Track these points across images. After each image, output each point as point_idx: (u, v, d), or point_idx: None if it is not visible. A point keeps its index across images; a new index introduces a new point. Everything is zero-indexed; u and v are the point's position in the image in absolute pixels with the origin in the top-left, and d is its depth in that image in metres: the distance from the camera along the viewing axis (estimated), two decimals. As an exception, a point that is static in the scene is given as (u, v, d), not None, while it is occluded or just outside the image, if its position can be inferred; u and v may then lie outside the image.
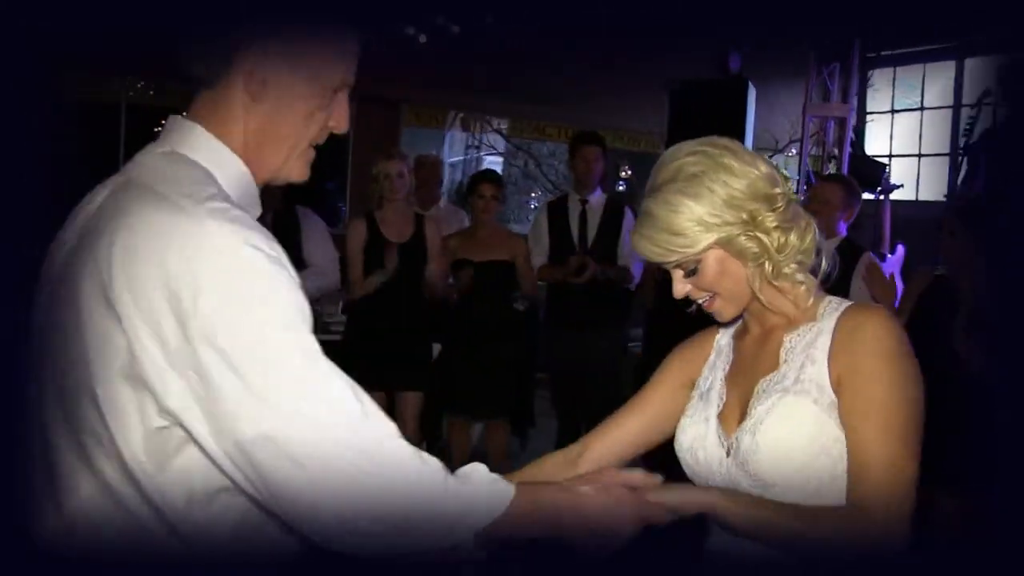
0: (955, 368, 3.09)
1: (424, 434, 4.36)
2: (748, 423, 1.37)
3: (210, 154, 1.17)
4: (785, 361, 1.38)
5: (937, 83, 8.42)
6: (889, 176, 6.45)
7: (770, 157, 6.07)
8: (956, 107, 8.27)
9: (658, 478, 1.29)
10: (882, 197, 6.23)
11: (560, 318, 4.52)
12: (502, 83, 7.29)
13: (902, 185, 6.80)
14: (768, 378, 1.39)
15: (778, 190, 1.36)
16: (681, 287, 1.40)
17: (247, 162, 1.20)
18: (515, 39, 6.65)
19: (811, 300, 1.40)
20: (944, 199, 7.76)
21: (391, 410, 4.09)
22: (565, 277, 4.33)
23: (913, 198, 8.19)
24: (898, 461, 1.26)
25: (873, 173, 6.18)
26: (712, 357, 1.54)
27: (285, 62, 1.17)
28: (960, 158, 5.68)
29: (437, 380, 4.14)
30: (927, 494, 3.28)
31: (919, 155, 8.54)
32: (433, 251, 3.99)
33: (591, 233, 4.45)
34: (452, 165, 8.26)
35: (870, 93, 8.55)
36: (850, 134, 7.03)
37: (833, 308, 1.39)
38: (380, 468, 1.06)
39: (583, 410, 4.44)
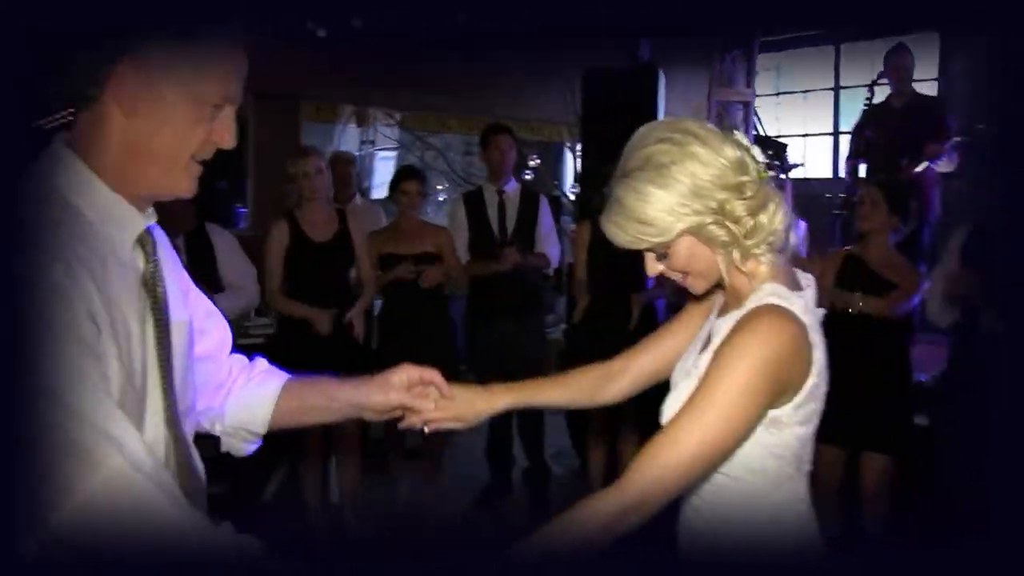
0: (877, 337, 3.33)
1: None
2: (671, 393, 1.49)
3: (70, 177, 1.19)
4: (709, 347, 1.45)
5: (818, 67, 8.79)
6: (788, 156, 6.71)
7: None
8: (836, 90, 8.67)
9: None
10: (783, 176, 6.48)
11: (481, 308, 4.54)
12: (405, 76, 7.23)
13: (803, 164, 7.10)
14: (700, 356, 1.47)
15: (747, 178, 1.37)
16: (654, 267, 1.45)
17: (123, 177, 1.20)
18: (417, 31, 6.61)
19: (765, 281, 1.42)
20: (831, 176, 8.15)
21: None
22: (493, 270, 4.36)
23: (802, 176, 8.54)
24: (663, 436, 1.34)
25: (777, 153, 6.42)
26: (701, 333, 1.59)
27: (159, 77, 1.16)
28: (856, 139, 6.00)
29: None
30: (855, 454, 3.48)
31: (804, 135, 8.92)
32: (359, 248, 3.95)
33: (510, 222, 4.50)
34: (348, 161, 8.12)
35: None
36: (753, 117, 7.28)
37: (759, 298, 1.41)
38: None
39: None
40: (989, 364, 3.26)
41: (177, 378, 1.30)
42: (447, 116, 8.12)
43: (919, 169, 5.43)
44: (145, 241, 1.26)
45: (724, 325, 1.43)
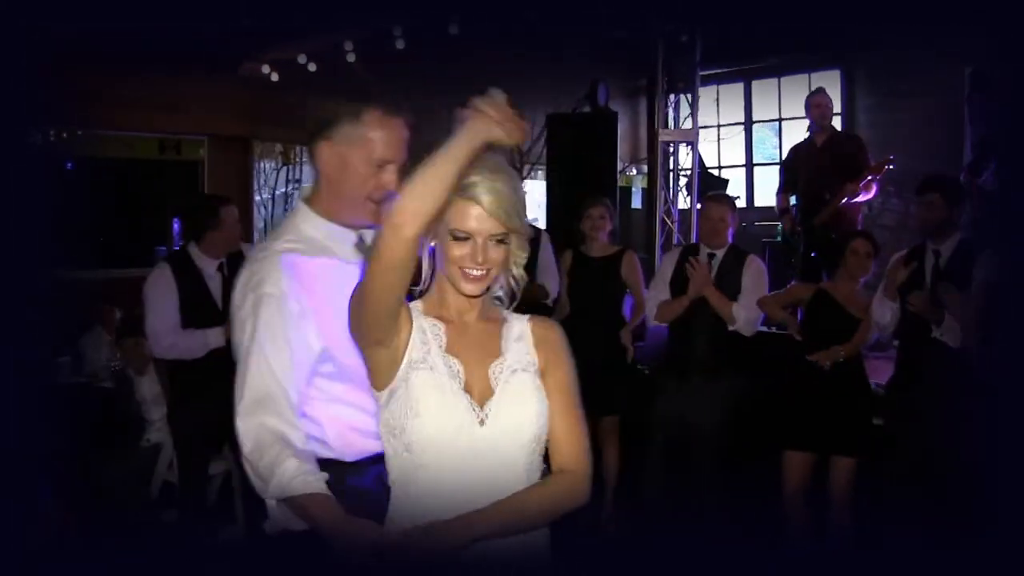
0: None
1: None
2: (496, 398, 1.65)
3: (303, 216, 2.00)
4: (508, 349, 1.71)
5: (730, 104, 9.42)
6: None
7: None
8: (748, 124, 9.32)
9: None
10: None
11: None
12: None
13: (739, 197, 7.59)
14: (498, 362, 1.69)
15: None
16: (496, 252, 1.66)
17: (333, 212, 1.98)
18: (363, 70, 6.77)
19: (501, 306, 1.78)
20: (746, 206, 8.73)
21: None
22: None
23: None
24: (575, 427, 1.73)
25: (721, 188, 6.88)
26: (415, 335, 1.68)
27: (342, 150, 1.90)
28: (786, 174, 6.43)
29: None
30: (824, 458, 3.85)
31: (719, 167, 9.51)
32: None
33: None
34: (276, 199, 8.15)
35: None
36: (698, 154, 7.70)
37: (514, 315, 1.76)
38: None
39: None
40: (936, 369, 3.68)
41: None
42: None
43: (850, 200, 5.89)
44: (361, 247, 1.98)
45: (509, 334, 1.72)
